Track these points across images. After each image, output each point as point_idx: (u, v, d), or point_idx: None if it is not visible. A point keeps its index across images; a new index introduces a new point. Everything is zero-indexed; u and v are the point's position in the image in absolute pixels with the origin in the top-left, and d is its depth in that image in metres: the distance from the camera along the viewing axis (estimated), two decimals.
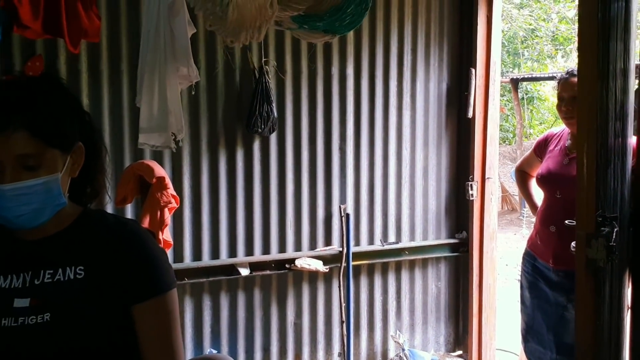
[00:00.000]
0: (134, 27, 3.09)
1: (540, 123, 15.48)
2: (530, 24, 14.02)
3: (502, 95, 12.78)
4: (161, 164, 3.04)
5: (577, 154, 1.83)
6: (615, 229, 1.73)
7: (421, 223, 3.82)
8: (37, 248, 1.17)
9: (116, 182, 2.77)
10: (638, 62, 2.02)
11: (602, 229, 1.66)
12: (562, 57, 14.51)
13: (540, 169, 2.88)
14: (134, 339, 1.18)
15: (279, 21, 2.20)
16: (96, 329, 1.13)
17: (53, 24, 2.33)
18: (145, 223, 2.60)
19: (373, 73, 3.61)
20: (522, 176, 3.20)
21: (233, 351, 3.45)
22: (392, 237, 3.74)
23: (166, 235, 2.73)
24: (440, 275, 3.92)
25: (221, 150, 3.33)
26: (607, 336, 1.82)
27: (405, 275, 3.82)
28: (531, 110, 15.04)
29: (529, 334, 2.93)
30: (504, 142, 14.00)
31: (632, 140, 1.98)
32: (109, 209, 2.88)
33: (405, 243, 3.76)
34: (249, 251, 3.44)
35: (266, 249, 3.48)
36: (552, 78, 10.47)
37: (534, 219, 3.07)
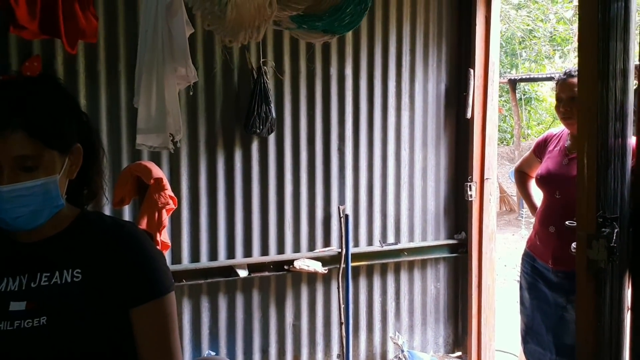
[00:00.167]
0: (132, 27, 3.08)
1: (538, 124, 15.50)
2: (528, 25, 14.04)
3: (499, 96, 12.76)
4: (159, 164, 3.03)
5: (577, 155, 1.83)
6: (616, 230, 1.72)
7: (420, 224, 3.82)
8: (33, 250, 1.16)
9: (113, 184, 2.76)
10: (637, 63, 2.01)
11: (603, 229, 1.65)
12: (560, 57, 14.53)
13: (539, 169, 2.88)
14: (132, 342, 1.16)
15: (278, 21, 2.20)
16: (93, 333, 1.11)
17: (50, 24, 2.32)
18: (143, 224, 2.58)
19: (372, 73, 3.61)
20: (521, 177, 3.20)
21: (231, 353, 3.43)
22: (391, 238, 3.73)
23: (164, 236, 2.72)
24: (439, 276, 3.91)
25: (219, 151, 3.32)
26: (608, 337, 1.82)
27: (404, 276, 3.81)
28: (529, 111, 15.06)
29: (529, 335, 2.92)
30: (502, 142, 14.00)
31: (632, 140, 1.98)
32: (107, 210, 2.86)
33: (404, 244, 3.75)
34: (248, 252, 3.43)
35: (265, 250, 3.46)
36: (550, 79, 10.50)
37: (532, 220, 3.06)
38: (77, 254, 1.16)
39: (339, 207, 3.57)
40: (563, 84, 2.71)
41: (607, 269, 1.71)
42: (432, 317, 3.91)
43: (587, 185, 1.72)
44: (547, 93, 14.76)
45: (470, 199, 3.73)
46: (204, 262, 3.33)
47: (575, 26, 13.46)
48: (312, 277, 3.56)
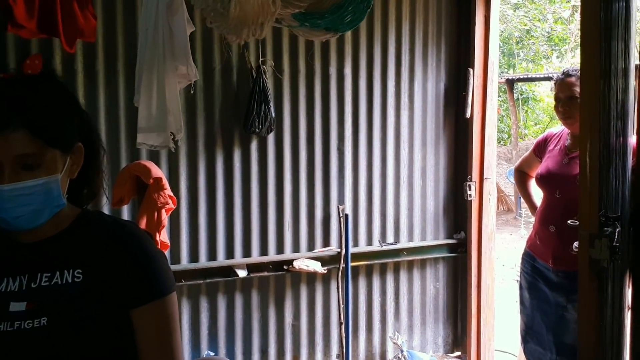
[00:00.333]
0: (130, 26, 3.07)
1: (535, 124, 15.52)
2: (525, 25, 14.05)
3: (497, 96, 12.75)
4: (158, 164, 3.02)
5: (580, 153, 1.82)
6: (618, 229, 1.72)
7: (419, 223, 3.81)
8: (34, 250, 1.15)
9: (112, 183, 2.75)
10: (637, 62, 2.01)
11: (605, 229, 1.65)
12: (557, 57, 14.54)
13: (539, 168, 2.88)
14: (133, 342, 1.15)
15: (280, 18, 2.18)
16: (94, 333, 1.10)
17: (48, 23, 2.31)
18: (142, 224, 2.57)
19: (371, 73, 3.60)
20: (521, 176, 3.19)
21: (230, 353, 3.42)
22: (390, 238, 3.73)
23: (163, 236, 2.71)
24: (439, 276, 3.91)
25: (218, 150, 3.31)
26: (610, 336, 1.81)
27: (403, 276, 3.80)
28: (526, 111, 15.07)
29: (529, 335, 2.92)
30: (499, 142, 14.01)
31: (632, 139, 1.98)
32: (105, 210, 2.85)
33: (403, 244, 3.74)
34: (247, 252, 3.42)
35: (264, 250, 3.45)
36: (547, 78, 10.50)
37: (532, 219, 3.06)
38: (78, 254, 1.15)
39: (338, 207, 3.56)
40: (561, 84, 2.71)
41: (609, 268, 1.71)
42: (432, 317, 3.91)
43: (589, 184, 1.72)
44: (544, 93, 14.78)
45: (469, 199, 3.73)
46: (203, 262, 3.32)
47: (573, 26, 13.51)
48: (311, 277, 3.55)
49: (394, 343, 3.74)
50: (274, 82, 3.38)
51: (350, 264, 3.53)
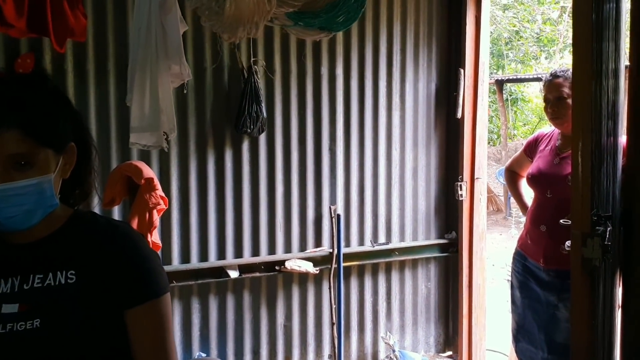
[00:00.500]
0: (121, 26, 3.05)
1: (525, 124, 15.63)
2: (514, 26, 14.14)
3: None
4: (148, 164, 3.00)
5: (572, 153, 1.84)
6: (609, 228, 1.73)
7: (411, 223, 3.82)
8: (26, 252, 1.14)
9: (103, 183, 2.73)
10: (626, 63, 2.03)
11: (597, 228, 1.66)
12: (546, 58, 14.65)
13: (530, 168, 2.89)
14: (127, 343, 1.15)
15: (274, 18, 2.18)
16: (88, 335, 1.10)
17: (38, 22, 2.29)
18: (134, 225, 2.56)
19: (362, 73, 3.61)
20: (512, 176, 3.21)
21: (222, 354, 3.41)
22: (382, 238, 3.74)
23: (155, 237, 2.70)
24: (430, 276, 3.92)
25: (210, 151, 3.29)
26: (601, 335, 1.83)
27: (395, 276, 3.81)
28: (515, 112, 15.17)
29: (520, 334, 2.93)
30: (489, 143, 14.07)
31: (622, 139, 1.99)
32: (97, 210, 2.82)
33: (395, 244, 3.75)
34: (238, 253, 3.41)
35: (255, 251, 3.45)
36: (536, 79, 10.58)
37: (522, 219, 3.08)
38: (71, 255, 1.14)
39: (330, 207, 3.56)
40: (549, 85, 2.73)
41: (601, 267, 1.72)
42: (423, 317, 3.92)
43: (581, 184, 1.73)
44: (533, 94, 14.87)
45: (460, 199, 3.74)
46: (195, 263, 3.31)
47: (562, 27, 13.61)
48: (303, 277, 3.55)
49: (385, 343, 3.74)
50: (266, 82, 3.37)
51: (342, 264, 3.53)
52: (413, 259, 3.83)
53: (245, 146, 3.37)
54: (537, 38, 14.38)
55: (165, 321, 1.17)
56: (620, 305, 1.99)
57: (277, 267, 3.42)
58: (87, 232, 1.17)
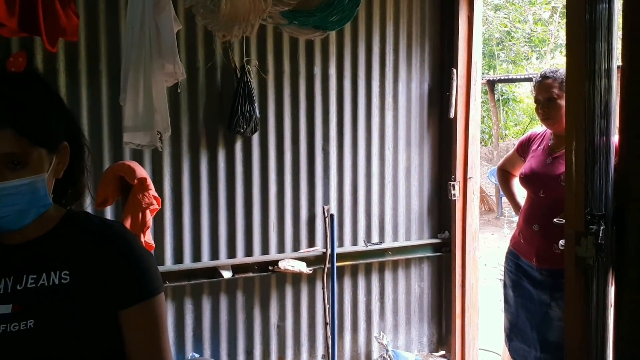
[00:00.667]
0: (113, 25, 3.04)
1: (516, 124, 15.69)
2: (505, 26, 14.20)
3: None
4: (141, 164, 2.98)
5: (565, 153, 1.84)
6: (602, 227, 1.74)
7: (404, 223, 3.83)
8: (19, 252, 1.13)
9: (95, 183, 2.72)
10: (619, 63, 2.05)
11: (591, 227, 1.67)
12: (537, 58, 14.72)
13: (523, 168, 2.91)
14: (121, 343, 1.14)
15: (269, 16, 2.17)
16: (82, 335, 1.09)
17: (30, 21, 2.27)
18: (127, 225, 2.54)
19: (355, 73, 3.61)
20: (504, 175, 3.22)
21: (216, 355, 3.40)
22: (375, 238, 3.74)
23: (148, 237, 2.68)
24: (423, 276, 3.93)
25: (202, 150, 3.28)
26: (595, 334, 1.83)
27: (388, 276, 3.81)
28: (506, 112, 15.23)
29: (513, 333, 2.94)
30: (480, 143, 14.11)
31: (615, 139, 2.00)
32: (89, 210, 2.81)
33: (388, 243, 3.75)
34: (232, 253, 3.40)
35: (249, 251, 3.44)
36: (528, 79, 10.62)
37: (514, 219, 3.09)
38: (64, 255, 1.13)
39: (323, 207, 3.56)
40: (540, 86, 2.75)
41: (595, 266, 1.73)
42: (416, 317, 3.92)
43: (575, 183, 1.74)
44: (524, 94, 14.94)
45: (453, 198, 3.75)
46: (188, 263, 3.30)
47: (553, 27, 13.68)
48: (296, 277, 3.54)
49: (379, 343, 3.75)
50: (259, 82, 3.37)
51: (336, 264, 3.53)
52: (406, 258, 3.84)
53: (238, 146, 3.36)
54: (529, 38, 14.45)
55: (159, 321, 1.16)
56: (612, 304, 2.00)
57: (270, 267, 3.41)
58: (81, 232, 1.16)
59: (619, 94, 1.99)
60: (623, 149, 1.82)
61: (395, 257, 3.78)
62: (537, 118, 2.87)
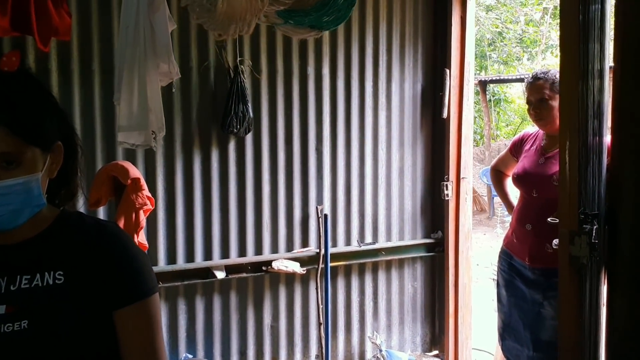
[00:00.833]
0: (106, 25, 3.02)
1: (507, 125, 15.76)
2: (497, 27, 14.26)
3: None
4: (134, 164, 2.97)
5: (559, 152, 1.85)
6: (595, 227, 1.75)
7: (397, 223, 3.83)
8: (12, 252, 1.12)
9: (88, 183, 2.70)
10: (611, 64, 2.06)
11: (585, 226, 1.68)
12: (528, 59, 14.79)
13: (516, 168, 2.92)
14: (116, 344, 1.13)
15: (264, 15, 2.17)
16: (76, 336, 1.08)
17: (22, 21, 2.26)
18: (120, 225, 2.53)
19: (349, 73, 3.61)
20: (497, 175, 3.24)
21: (209, 356, 3.39)
22: (368, 238, 3.74)
23: (141, 237, 2.67)
24: (417, 275, 3.93)
25: (196, 151, 3.27)
26: (588, 333, 1.85)
27: (382, 276, 3.82)
28: (498, 112, 15.29)
29: (506, 332, 2.95)
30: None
31: (607, 139, 2.02)
32: (82, 211, 2.80)
33: (381, 243, 3.76)
34: (225, 254, 3.39)
35: (242, 252, 3.43)
36: (519, 80, 10.68)
37: (506, 219, 3.10)
38: (58, 256, 1.12)
39: (317, 207, 3.56)
40: (531, 87, 2.76)
41: (588, 265, 1.74)
42: (410, 316, 3.93)
43: (569, 183, 1.75)
44: (516, 94, 15.02)
45: (446, 198, 3.76)
46: (181, 263, 3.29)
47: (544, 28, 13.75)
48: (290, 277, 3.54)
49: (372, 343, 3.75)
50: (252, 82, 3.36)
51: (329, 264, 3.53)
52: (399, 258, 3.85)
53: (232, 146, 3.36)
54: (520, 39, 14.52)
55: (154, 321, 1.16)
56: (605, 303, 2.02)
57: (264, 268, 3.40)
58: (75, 232, 1.16)
59: (611, 95, 2.01)
60: (615, 149, 1.83)
61: (389, 257, 3.78)
62: (529, 118, 2.88)
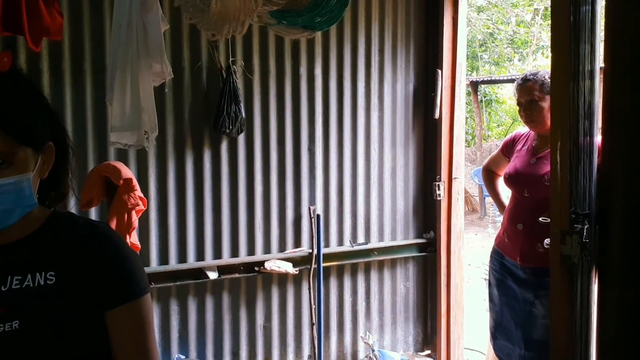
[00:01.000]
0: (98, 25, 3.01)
1: (498, 125, 15.83)
2: (488, 28, 14.32)
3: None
4: (126, 165, 2.96)
5: (551, 152, 1.87)
6: (586, 226, 1.76)
7: (390, 223, 3.84)
8: (3, 253, 1.11)
9: (80, 184, 2.69)
10: (601, 65, 2.08)
11: (576, 225, 1.69)
12: (519, 60, 14.87)
13: (508, 168, 2.94)
14: (108, 345, 1.13)
15: (257, 15, 2.16)
16: (68, 336, 1.08)
17: (13, 20, 2.24)
18: (112, 226, 2.52)
19: (341, 74, 3.62)
20: (489, 175, 3.25)
21: (202, 356, 3.39)
22: (361, 238, 3.75)
23: (133, 238, 2.66)
24: (409, 275, 3.94)
25: (188, 151, 3.27)
26: (579, 332, 1.86)
27: (374, 276, 3.83)
28: (489, 113, 15.35)
29: (498, 331, 2.97)
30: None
31: (597, 139, 2.03)
32: (74, 211, 2.78)
33: (374, 244, 3.77)
34: (217, 254, 3.39)
35: (235, 252, 3.43)
36: (510, 81, 10.73)
37: (498, 219, 3.12)
38: (50, 256, 1.12)
39: (309, 208, 3.56)
40: (521, 89, 2.78)
41: (579, 265, 1.75)
42: (402, 316, 3.94)
43: (560, 182, 1.76)
44: (507, 95, 15.08)
45: (438, 199, 3.77)
46: (173, 264, 3.28)
47: (535, 29, 13.82)
48: (282, 278, 3.54)
49: (365, 343, 3.76)
50: (244, 82, 3.36)
51: (322, 265, 3.53)
52: (392, 258, 3.85)
53: (224, 146, 3.35)
54: (511, 40, 14.59)
55: (146, 322, 1.16)
56: (596, 301, 2.03)
57: (256, 268, 3.40)
58: (67, 232, 1.15)
59: (601, 95, 2.02)
60: (606, 150, 1.84)
61: (381, 257, 3.79)
62: (520, 119, 2.89)
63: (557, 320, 1.81)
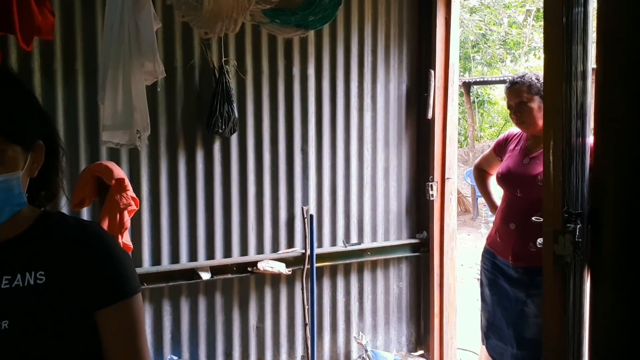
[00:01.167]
0: (89, 24, 3.00)
1: (490, 126, 15.87)
2: (480, 29, 14.37)
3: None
4: (118, 165, 2.95)
5: (544, 152, 1.87)
6: (579, 226, 1.77)
7: (383, 223, 3.84)
8: None
9: (71, 184, 2.67)
10: (593, 66, 2.09)
11: (568, 225, 1.70)
12: (512, 61, 14.92)
13: (500, 168, 2.95)
14: (98, 344, 1.12)
15: (250, 14, 2.16)
16: (58, 336, 1.07)
17: (4, 19, 2.22)
18: (104, 226, 2.51)
19: (334, 74, 3.61)
20: (480, 174, 3.27)
21: (194, 357, 3.37)
22: (354, 238, 3.75)
23: (125, 238, 2.65)
24: (402, 276, 3.95)
25: (180, 151, 3.26)
26: (572, 331, 1.86)
27: (367, 276, 3.83)
28: (481, 114, 15.40)
29: (490, 330, 2.98)
30: None
31: (590, 139, 2.04)
32: (65, 211, 2.76)
33: (367, 244, 3.77)
34: (210, 255, 3.37)
35: (227, 252, 3.42)
36: (502, 82, 10.75)
37: (490, 219, 3.13)
38: (40, 256, 1.11)
39: (302, 208, 3.56)
40: (510, 92, 2.81)
41: (572, 264, 1.76)
42: (395, 317, 3.94)
43: (553, 182, 1.76)
44: (499, 96, 15.13)
45: (431, 199, 3.78)
46: (166, 265, 3.26)
47: (527, 30, 13.88)
48: (275, 278, 3.53)
49: (358, 343, 3.75)
50: (237, 82, 3.35)
51: (315, 265, 3.53)
52: (385, 258, 3.86)
53: (217, 146, 3.34)
54: (503, 41, 14.64)
55: (137, 322, 1.15)
56: (588, 300, 2.04)
57: (249, 269, 3.39)
58: (57, 232, 1.15)
59: (593, 96, 2.03)
60: (598, 150, 1.85)
61: (374, 258, 3.79)
62: (513, 122, 2.92)
63: (550, 319, 1.82)
